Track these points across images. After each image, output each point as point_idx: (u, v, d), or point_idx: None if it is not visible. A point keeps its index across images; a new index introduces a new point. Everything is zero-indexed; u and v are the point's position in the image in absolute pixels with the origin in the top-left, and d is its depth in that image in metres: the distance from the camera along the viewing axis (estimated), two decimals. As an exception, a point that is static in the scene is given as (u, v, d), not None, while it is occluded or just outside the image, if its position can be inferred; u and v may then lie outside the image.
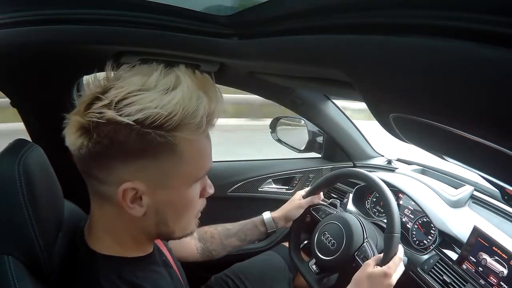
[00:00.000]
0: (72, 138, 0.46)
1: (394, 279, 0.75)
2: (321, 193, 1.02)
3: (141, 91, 0.44)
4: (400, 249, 0.78)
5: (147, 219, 0.51)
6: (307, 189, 1.01)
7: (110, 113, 0.42)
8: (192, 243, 0.90)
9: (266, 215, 0.96)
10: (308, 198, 0.98)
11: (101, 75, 0.49)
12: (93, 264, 0.50)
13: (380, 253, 0.84)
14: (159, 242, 0.68)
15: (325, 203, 1.02)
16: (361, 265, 0.82)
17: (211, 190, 0.57)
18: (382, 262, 0.78)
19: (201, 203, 0.57)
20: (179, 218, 0.53)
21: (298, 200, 0.98)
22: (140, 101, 0.43)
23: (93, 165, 0.47)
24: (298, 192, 1.02)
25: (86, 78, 0.50)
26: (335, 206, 1.02)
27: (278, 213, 0.97)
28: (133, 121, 0.42)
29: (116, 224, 0.51)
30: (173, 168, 0.47)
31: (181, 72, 0.47)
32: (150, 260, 0.57)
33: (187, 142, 0.47)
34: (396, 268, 0.76)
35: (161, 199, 0.49)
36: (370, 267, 0.76)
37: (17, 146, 0.51)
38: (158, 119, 0.42)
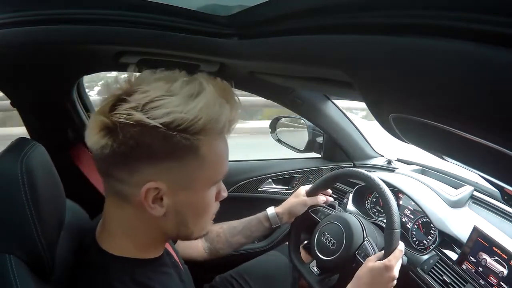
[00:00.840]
0: (95, 138, 0.46)
1: (396, 271, 0.75)
2: (329, 191, 1.02)
3: (167, 96, 0.45)
4: (401, 243, 0.79)
5: (167, 220, 0.52)
6: (311, 185, 1.01)
7: (138, 115, 0.44)
8: (199, 243, 0.91)
9: (270, 210, 0.96)
10: (314, 198, 0.98)
11: (121, 77, 0.51)
12: (105, 265, 0.51)
13: (381, 251, 0.85)
14: (167, 246, 0.68)
15: (324, 205, 1.02)
16: (362, 263, 0.83)
17: (225, 194, 0.59)
18: (384, 258, 0.78)
19: (216, 206, 0.59)
20: (198, 219, 0.55)
21: (302, 197, 0.98)
22: (166, 105, 0.44)
23: (116, 165, 0.48)
24: (302, 187, 1.02)
25: (105, 79, 0.51)
26: (333, 207, 1.02)
27: (282, 208, 0.97)
28: (160, 123, 0.44)
29: (135, 225, 0.52)
30: (195, 170, 0.49)
31: (203, 79, 0.49)
32: (161, 262, 0.58)
33: (209, 146, 0.49)
34: (397, 261, 0.76)
35: (181, 200, 0.51)
36: (371, 262, 0.77)
37: (20, 145, 0.51)
38: (183, 123, 0.44)
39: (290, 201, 0.98)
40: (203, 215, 0.56)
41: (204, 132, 0.47)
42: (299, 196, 0.98)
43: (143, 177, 0.47)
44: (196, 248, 0.90)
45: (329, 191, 1.03)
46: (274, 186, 1.35)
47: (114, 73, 0.95)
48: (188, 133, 0.46)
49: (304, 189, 1.00)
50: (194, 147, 0.47)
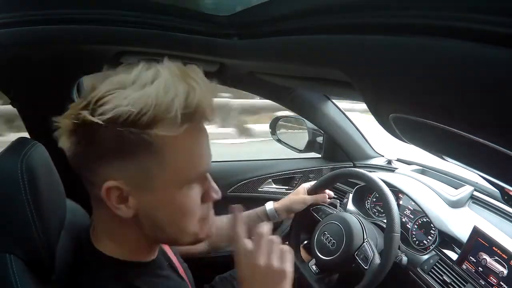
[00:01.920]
0: (61, 141, 0.46)
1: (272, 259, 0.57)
2: (327, 191, 1.02)
3: (117, 89, 0.43)
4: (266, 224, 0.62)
5: (140, 223, 0.49)
6: (312, 183, 1.01)
7: (84, 113, 0.42)
8: None
9: (269, 205, 0.96)
10: (313, 196, 0.98)
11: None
12: (99, 266, 0.50)
13: (379, 253, 0.85)
14: (164, 245, 0.67)
15: (325, 204, 1.02)
16: (362, 265, 0.83)
17: (216, 195, 0.53)
18: (383, 262, 0.78)
19: (204, 209, 0.52)
20: (175, 223, 0.50)
21: (303, 194, 0.98)
22: (113, 100, 0.42)
23: (81, 167, 0.47)
24: (303, 184, 1.01)
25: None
26: (334, 206, 1.02)
27: (280, 204, 0.96)
28: (105, 120, 0.41)
29: (114, 227, 0.51)
30: (153, 168, 0.45)
31: (162, 66, 0.45)
32: (156, 265, 0.57)
33: (165, 139, 0.43)
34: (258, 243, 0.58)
35: (148, 201, 0.47)
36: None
37: (20, 144, 0.51)
38: (129, 117, 0.41)
39: (290, 198, 0.98)
40: (182, 219, 0.50)
41: (156, 125, 0.42)
42: (299, 194, 0.98)
43: (103, 177, 0.45)
44: None
45: (331, 193, 1.03)
46: (274, 186, 1.35)
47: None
48: (137, 127, 0.41)
49: (305, 186, 1.00)
50: (146, 142, 0.43)
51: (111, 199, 0.46)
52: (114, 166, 0.44)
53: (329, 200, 1.03)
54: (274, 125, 1.40)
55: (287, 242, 1.06)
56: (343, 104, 1.32)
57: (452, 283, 0.81)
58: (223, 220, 0.93)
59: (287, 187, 1.36)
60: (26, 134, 0.88)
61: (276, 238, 0.60)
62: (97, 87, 0.45)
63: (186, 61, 0.79)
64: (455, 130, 0.33)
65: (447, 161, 0.48)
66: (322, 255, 0.90)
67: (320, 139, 1.35)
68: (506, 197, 0.67)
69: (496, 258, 0.74)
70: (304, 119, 1.30)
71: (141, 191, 0.46)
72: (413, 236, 0.97)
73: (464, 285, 0.79)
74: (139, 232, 0.50)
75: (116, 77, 0.45)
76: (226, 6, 0.60)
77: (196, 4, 0.60)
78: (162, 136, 0.43)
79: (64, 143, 0.45)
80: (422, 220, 0.96)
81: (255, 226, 0.93)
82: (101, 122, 0.41)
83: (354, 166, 1.32)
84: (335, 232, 0.90)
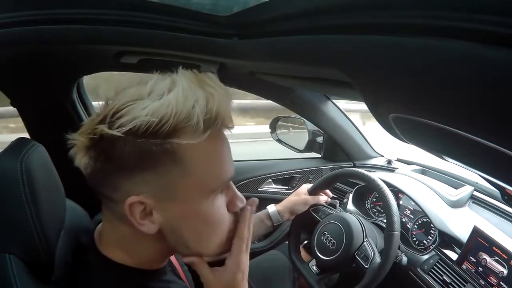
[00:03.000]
0: (78, 158, 0.44)
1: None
2: (328, 191, 1.03)
3: (133, 101, 0.41)
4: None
5: (164, 237, 0.47)
6: (312, 183, 1.01)
7: (101, 127, 0.41)
8: None
9: (271, 208, 0.96)
10: (315, 197, 0.98)
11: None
12: (103, 268, 0.49)
13: (380, 253, 0.85)
14: None
15: (325, 204, 1.02)
16: (362, 264, 0.83)
17: (240, 203, 0.51)
18: (383, 261, 0.78)
19: (230, 219, 0.51)
20: (200, 237, 0.48)
21: (304, 195, 0.98)
22: (131, 111, 0.40)
23: (100, 183, 0.45)
24: (303, 185, 1.01)
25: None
26: (334, 206, 1.03)
27: (283, 206, 0.96)
28: (124, 132, 0.40)
29: (131, 242, 0.49)
30: (177, 178, 0.43)
31: (177, 75, 0.44)
32: (162, 271, 0.56)
33: (188, 148, 0.42)
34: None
35: (173, 214, 0.45)
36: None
37: (19, 144, 0.51)
38: (150, 127, 0.40)
39: (292, 199, 0.98)
40: (208, 231, 0.48)
41: (177, 133, 0.41)
42: (301, 195, 0.98)
43: (125, 192, 0.43)
44: None
45: (330, 194, 1.03)
46: (274, 186, 1.35)
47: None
48: (158, 137, 0.40)
49: (305, 187, 1.00)
50: (168, 152, 0.41)
51: (135, 215, 0.44)
52: (136, 180, 0.43)
53: (329, 200, 1.03)
54: (274, 125, 1.40)
55: (287, 242, 1.06)
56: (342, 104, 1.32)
57: (452, 283, 0.81)
58: None
59: (287, 187, 1.36)
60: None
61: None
62: (111, 101, 0.44)
63: (186, 61, 0.79)
64: (455, 130, 0.33)
65: (447, 161, 0.48)
66: (322, 255, 0.90)
67: (320, 139, 1.35)
68: (506, 197, 0.67)
69: (496, 258, 0.74)
70: (304, 119, 1.30)
71: (165, 204, 0.45)
72: (413, 236, 0.97)
73: (464, 285, 0.79)
74: (159, 247, 0.49)
75: (131, 90, 0.44)
76: (226, 6, 0.60)
77: (196, 4, 0.60)
78: (184, 145, 0.42)
79: (81, 160, 0.44)
80: (422, 220, 0.96)
81: (259, 230, 0.93)
82: (120, 134, 0.40)
83: (354, 166, 1.32)
84: (335, 232, 0.90)
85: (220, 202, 0.48)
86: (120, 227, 0.47)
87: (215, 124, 0.43)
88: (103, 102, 0.45)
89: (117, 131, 0.40)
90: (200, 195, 0.46)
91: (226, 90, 0.45)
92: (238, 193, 0.51)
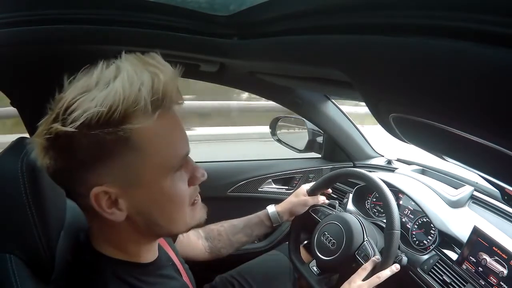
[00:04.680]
0: (39, 161, 0.44)
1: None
2: (329, 190, 1.03)
3: (83, 93, 0.42)
4: (397, 265, 0.81)
5: (135, 222, 0.48)
6: (312, 184, 1.01)
7: (56, 126, 0.41)
8: (199, 243, 0.90)
9: (271, 208, 0.95)
10: (314, 197, 0.98)
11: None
12: (100, 266, 0.50)
13: (380, 252, 0.85)
14: (165, 245, 0.67)
15: (324, 205, 1.02)
16: (362, 263, 0.83)
17: (201, 176, 0.52)
18: (383, 260, 0.78)
19: (191, 191, 0.52)
20: (168, 214, 0.50)
21: (303, 196, 0.97)
22: (82, 105, 0.41)
23: (64, 181, 0.46)
24: (303, 186, 1.01)
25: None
26: (333, 207, 1.02)
27: (282, 207, 0.96)
28: (77, 127, 0.40)
29: (111, 233, 0.50)
30: (136, 163, 0.44)
31: (121, 61, 0.44)
32: (157, 265, 0.56)
33: (141, 131, 0.43)
34: (384, 278, 0.77)
35: (138, 198, 0.46)
36: (360, 277, 0.78)
37: (20, 144, 0.51)
38: (101, 117, 0.40)
39: (291, 201, 0.98)
40: (173, 208, 0.49)
41: (129, 119, 0.41)
42: (300, 196, 0.98)
43: (88, 185, 0.44)
44: (197, 248, 0.89)
45: (329, 190, 1.03)
46: (274, 186, 1.35)
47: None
48: (110, 126, 0.41)
49: (305, 188, 1.00)
50: (123, 139, 0.42)
51: (101, 205, 0.45)
52: (97, 171, 0.44)
53: (328, 201, 1.03)
54: (274, 125, 1.40)
55: (287, 242, 1.06)
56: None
57: (452, 283, 0.81)
58: (224, 225, 0.93)
59: (287, 187, 1.36)
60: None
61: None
62: (61, 98, 0.44)
63: (186, 61, 0.79)
64: (455, 130, 0.33)
65: (447, 161, 0.48)
66: (322, 255, 0.90)
67: (320, 139, 1.35)
68: (506, 197, 0.68)
69: (496, 258, 0.74)
70: (304, 119, 1.30)
71: (129, 190, 0.46)
72: (413, 236, 0.97)
73: (464, 285, 0.79)
74: (133, 232, 0.50)
75: (79, 82, 0.44)
76: (223, 4, 0.60)
77: (192, 3, 0.60)
78: (137, 129, 0.42)
79: (42, 162, 0.44)
80: (422, 220, 0.96)
81: (259, 230, 0.93)
82: (74, 130, 0.40)
83: (354, 166, 1.32)
84: (335, 232, 0.90)
85: (181, 178, 0.49)
86: (95, 220, 0.48)
87: (163, 104, 0.43)
88: (55, 98, 0.45)
89: (71, 127, 0.40)
90: (160, 176, 0.46)
91: (170, 68, 0.45)
92: (197, 166, 0.52)
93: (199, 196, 0.55)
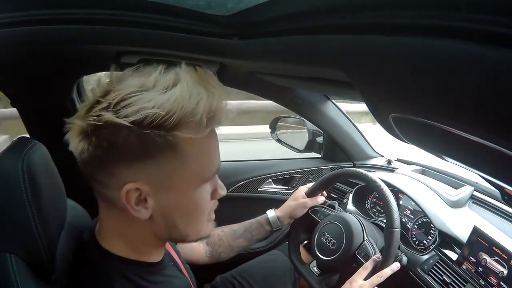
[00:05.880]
0: (74, 143, 0.45)
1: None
2: (324, 192, 1.02)
3: (140, 92, 0.43)
4: (396, 263, 0.81)
5: (156, 223, 0.49)
6: (310, 185, 1.01)
7: (108, 115, 0.42)
8: (200, 247, 0.90)
9: (271, 213, 0.95)
10: (314, 198, 0.97)
11: (105, 79, 0.48)
12: (106, 265, 0.50)
13: (380, 251, 0.85)
14: (167, 246, 0.67)
15: (324, 205, 1.01)
16: (363, 262, 0.83)
17: (222, 192, 0.55)
18: (383, 259, 0.79)
19: (212, 205, 0.55)
20: (189, 221, 0.52)
21: (302, 199, 0.97)
22: (138, 102, 0.42)
23: (96, 169, 0.46)
24: (301, 187, 1.01)
25: (91, 83, 0.49)
26: (333, 207, 1.02)
27: (282, 211, 0.96)
28: (130, 122, 0.41)
29: (126, 229, 0.51)
30: (175, 169, 0.46)
31: (181, 70, 0.46)
32: (162, 265, 0.57)
33: (189, 141, 0.45)
34: (384, 278, 0.77)
35: (167, 201, 0.48)
36: (361, 277, 0.78)
37: (20, 144, 0.51)
38: (156, 119, 0.41)
39: (290, 204, 0.97)
40: (195, 216, 0.52)
41: (181, 127, 0.43)
42: (299, 198, 0.97)
43: (122, 179, 0.45)
44: (198, 251, 0.90)
45: (325, 193, 1.02)
46: (274, 186, 1.35)
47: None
48: (163, 129, 0.42)
49: (303, 190, 0.99)
50: (171, 144, 0.44)
51: (130, 201, 0.46)
52: (135, 168, 0.45)
53: (327, 201, 1.03)
54: (274, 125, 1.40)
55: (287, 242, 1.06)
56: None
57: (452, 283, 0.81)
58: (224, 230, 0.94)
59: (287, 187, 1.36)
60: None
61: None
62: (113, 89, 0.44)
63: (187, 61, 0.79)
64: (455, 130, 0.33)
65: (447, 161, 0.48)
66: (322, 256, 0.90)
67: (320, 139, 1.35)
68: (506, 197, 0.67)
69: (496, 258, 0.74)
70: (304, 119, 1.30)
71: (161, 192, 0.47)
72: (413, 236, 0.97)
73: (464, 285, 0.79)
74: (150, 232, 0.51)
75: (134, 80, 0.45)
76: (220, 3, 0.60)
77: (196, 4, 0.60)
78: (187, 138, 0.44)
79: (78, 145, 0.45)
80: (422, 220, 0.96)
81: (259, 234, 0.94)
82: (128, 124, 0.41)
83: (354, 166, 1.32)
84: (335, 232, 0.90)
85: (207, 190, 0.52)
86: (114, 212, 0.49)
87: (213, 121, 0.46)
88: (102, 88, 0.46)
89: (124, 120, 0.41)
90: (192, 185, 0.49)
91: (223, 89, 0.48)
92: (220, 182, 0.56)
93: (214, 213, 0.57)
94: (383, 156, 1.35)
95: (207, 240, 0.91)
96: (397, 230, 0.81)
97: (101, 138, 0.43)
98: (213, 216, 0.57)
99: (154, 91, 0.43)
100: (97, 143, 0.43)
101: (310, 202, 0.97)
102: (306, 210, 0.97)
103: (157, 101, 0.42)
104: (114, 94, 0.43)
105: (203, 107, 0.43)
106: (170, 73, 0.45)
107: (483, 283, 0.75)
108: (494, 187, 0.82)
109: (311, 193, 0.98)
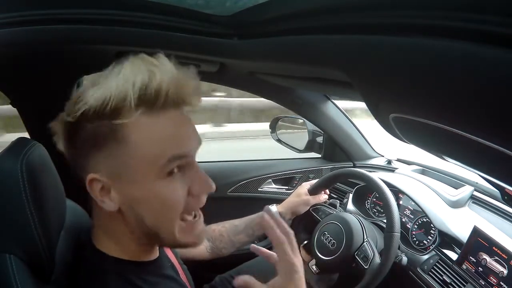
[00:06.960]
0: (58, 145, 0.50)
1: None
2: (327, 191, 1.02)
3: (90, 88, 0.46)
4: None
5: (126, 217, 0.49)
6: (312, 182, 1.01)
7: (62, 114, 0.47)
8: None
9: (273, 209, 0.96)
10: (316, 196, 0.98)
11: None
12: (101, 265, 0.50)
13: (380, 253, 0.85)
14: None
15: (325, 204, 1.02)
16: (362, 265, 0.83)
17: (204, 187, 0.50)
18: (383, 260, 0.78)
19: (189, 201, 0.49)
20: (157, 217, 0.48)
21: (304, 195, 0.97)
22: (84, 98, 0.45)
23: (73, 167, 0.50)
24: (303, 184, 1.01)
25: None
26: (334, 206, 1.02)
27: (284, 207, 0.96)
28: (78, 117, 0.45)
29: (106, 223, 0.52)
30: (122, 156, 0.45)
31: (127, 58, 0.46)
32: (157, 265, 0.57)
33: (128, 126, 0.44)
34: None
35: (129, 193, 0.47)
36: None
37: (20, 144, 0.51)
38: (95, 110, 0.44)
39: (293, 200, 0.98)
40: (163, 212, 0.48)
41: (118, 114, 0.44)
42: (301, 195, 0.98)
43: (86, 171, 0.47)
44: (198, 247, 0.90)
45: (327, 191, 1.03)
46: (274, 186, 1.35)
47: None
48: (102, 118, 0.44)
49: (305, 187, 1.00)
50: (112, 132, 0.45)
51: (94, 192, 0.48)
52: (93, 160, 0.47)
53: (329, 200, 1.03)
54: (274, 125, 1.40)
55: None
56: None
57: (452, 283, 0.81)
58: (225, 225, 0.93)
59: (287, 187, 1.36)
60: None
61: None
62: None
63: (186, 62, 0.79)
64: (455, 130, 0.33)
65: (447, 161, 0.48)
66: (322, 255, 0.90)
67: (320, 139, 1.35)
68: (506, 197, 0.67)
69: (496, 258, 0.74)
70: (304, 119, 1.30)
71: (121, 183, 0.47)
72: (413, 236, 0.96)
73: (464, 285, 0.79)
74: (125, 227, 0.50)
75: (92, 77, 0.49)
76: (219, 2, 0.60)
77: (195, 3, 0.60)
78: (123, 124, 0.45)
79: (59, 146, 0.50)
80: (422, 220, 0.96)
81: (259, 230, 0.93)
82: (73, 120, 0.45)
83: (354, 166, 1.32)
84: (335, 232, 0.90)
85: (178, 183, 0.48)
86: (95, 208, 0.52)
87: (156, 102, 0.44)
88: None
89: (71, 118, 0.46)
90: (155, 175, 0.46)
91: (173, 68, 0.46)
92: (204, 176, 0.50)
93: (201, 215, 0.54)
94: (383, 156, 1.35)
95: (207, 235, 0.91)
96: (397, 235, 0.81)
97: (64, 137, 0.48)
98: (197, 216, 0.53)
99: (98, 86, 0.45)
100: (65, 143, 0.49)
101: (312, 199, 0.97)
102: (308, 207, 0.97)
103: (96, 93, 0.44)
104: (77, 93, 0.47)
105: (134, 89, 0.43)
106: (117, 66, 0.46)
107: (483, 283, 0.75)
108: (494, 187, 0.82)
109: (313, 191, 0.98)
